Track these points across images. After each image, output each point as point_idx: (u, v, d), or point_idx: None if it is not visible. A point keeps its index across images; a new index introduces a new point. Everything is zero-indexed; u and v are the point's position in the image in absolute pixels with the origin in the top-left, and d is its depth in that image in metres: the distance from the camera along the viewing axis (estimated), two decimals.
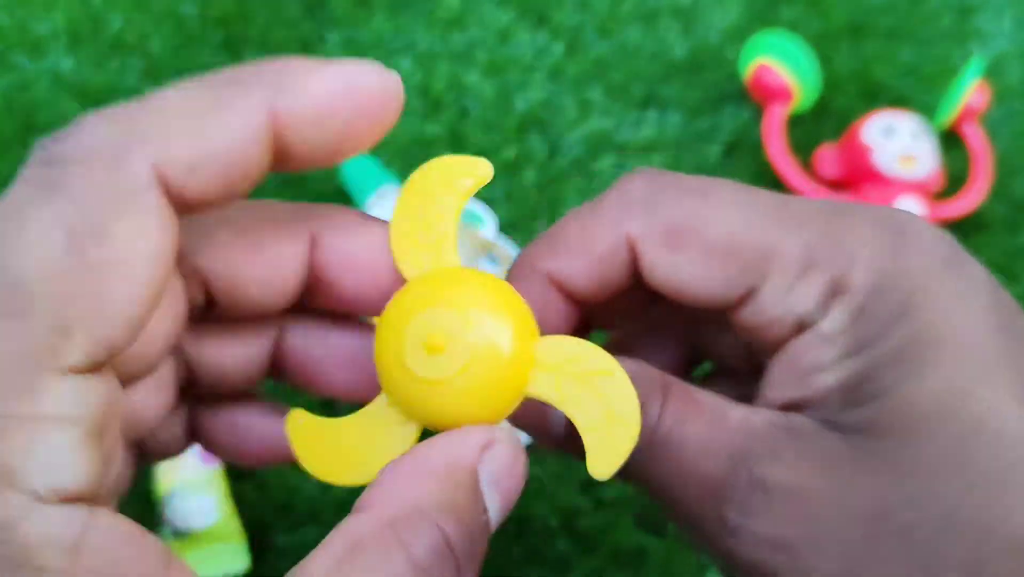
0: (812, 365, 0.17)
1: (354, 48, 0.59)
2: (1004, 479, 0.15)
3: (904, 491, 0.15)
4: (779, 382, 0.18)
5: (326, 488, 0.47)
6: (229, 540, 0.44)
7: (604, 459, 0.16)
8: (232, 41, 0.58)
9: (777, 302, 0.17)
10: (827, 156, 0.59)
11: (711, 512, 0.17)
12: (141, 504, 0.45)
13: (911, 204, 0.55)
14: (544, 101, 0.59)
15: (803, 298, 0.17)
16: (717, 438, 0.17)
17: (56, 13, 0.58)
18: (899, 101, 0.64)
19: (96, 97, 0.55)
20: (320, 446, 0.18)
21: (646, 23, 0.64)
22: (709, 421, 0.17)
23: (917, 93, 0.65)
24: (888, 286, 0.16)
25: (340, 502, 0.47)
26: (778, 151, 0.58)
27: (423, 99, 0.58)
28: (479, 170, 0.19)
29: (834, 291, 0.17)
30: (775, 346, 0.18)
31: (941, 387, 0.15)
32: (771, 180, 0.60)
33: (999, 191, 0.63)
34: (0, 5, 0.58)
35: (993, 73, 0.68)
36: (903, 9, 0.70)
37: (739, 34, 0.65)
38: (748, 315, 0.18)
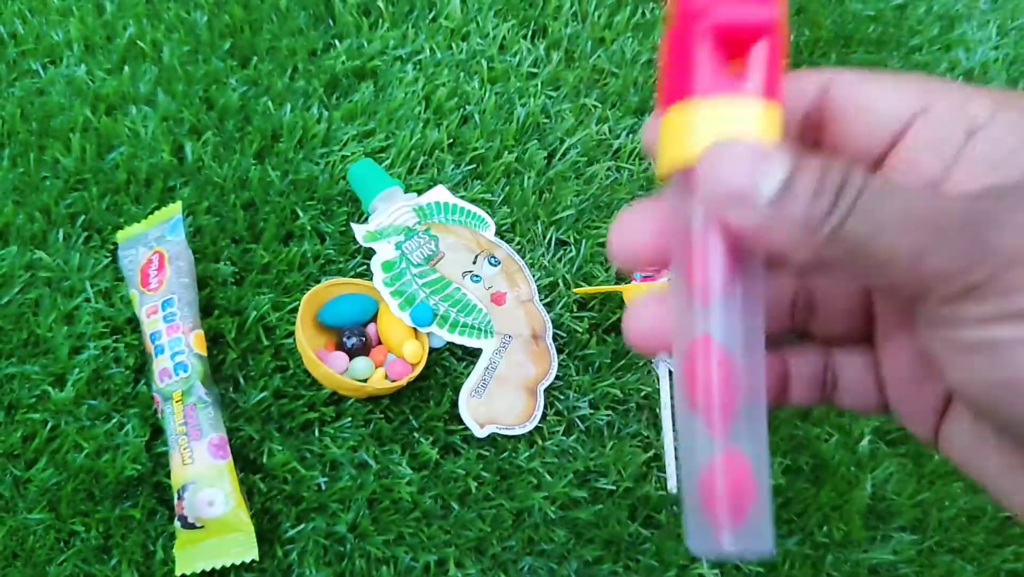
0: (1005, 153, 0.18)
1: (360, 57, 0.60)
2: None
3: None
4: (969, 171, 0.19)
5: (332, 480, 0.49)
6: (238, 530, 0.45)
7: None
8: (241, 49, 0.60)
9: (953, 114, 0.19)
10: None
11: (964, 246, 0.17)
12: (157, 496, 0.47)
13: None
14: (543, 108, 0.61)
15: (977, 109, 0.19)
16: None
17: (70, 21, 0.59)
18: None
19: (109, 103, 0.56)
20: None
21: (640, 33, 0.66)
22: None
23: None
24: None
25: (344, 494, 0.48)
26: None
27: (426, 106, 0.59)
28: None
29: (1001, 103, 0.19)
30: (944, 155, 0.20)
31: None
32: None
33: None
34: (15, 13, 0.59)
35: (979, 80, 0.70)
36: (890, 19, 0.72)
37: None
38: (920, 132, 0.20)
